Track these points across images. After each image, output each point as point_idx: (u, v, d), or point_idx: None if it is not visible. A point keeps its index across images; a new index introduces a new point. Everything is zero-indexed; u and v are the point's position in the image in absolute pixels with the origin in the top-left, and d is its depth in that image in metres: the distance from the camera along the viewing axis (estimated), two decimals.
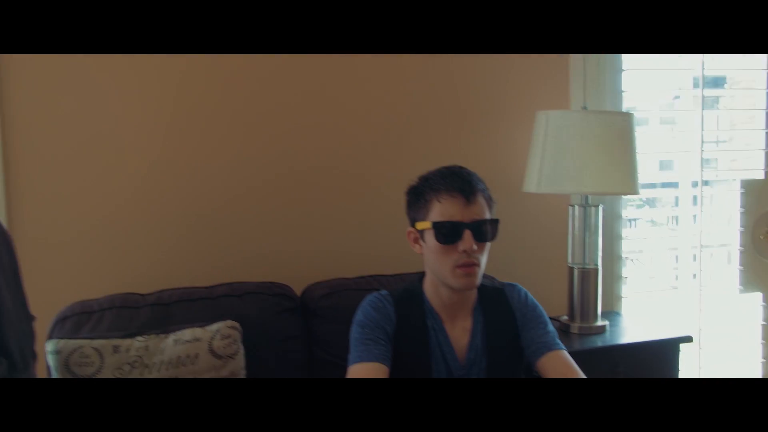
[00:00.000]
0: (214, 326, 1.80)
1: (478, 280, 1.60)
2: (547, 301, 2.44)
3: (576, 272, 2.30)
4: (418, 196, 1.62)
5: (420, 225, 1.61)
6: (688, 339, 2.24)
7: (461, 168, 1.63)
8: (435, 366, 1.63)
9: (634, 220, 2.83)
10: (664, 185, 2.99)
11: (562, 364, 1.62)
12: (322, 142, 2.27)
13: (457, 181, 1.57)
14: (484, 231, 1.58)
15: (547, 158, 2.18)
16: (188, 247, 2.18)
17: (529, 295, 1.74)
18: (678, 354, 2.23)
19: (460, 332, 1.66)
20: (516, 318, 1.70)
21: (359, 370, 1.56)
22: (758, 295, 2.90)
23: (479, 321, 1.68)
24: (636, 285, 2.80)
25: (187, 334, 1.77)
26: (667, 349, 2.23)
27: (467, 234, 1.54)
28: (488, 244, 1.62)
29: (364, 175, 2.32)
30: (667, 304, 2.85)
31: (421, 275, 1.71)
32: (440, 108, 2.38)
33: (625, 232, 2.69)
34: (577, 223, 2.30)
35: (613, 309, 2.67)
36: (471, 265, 1.56)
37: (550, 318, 2.39)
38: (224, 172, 2.20)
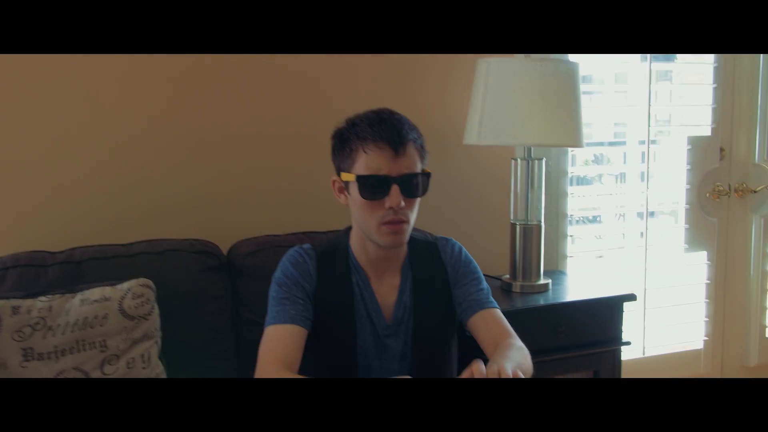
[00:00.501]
0: (125, 285, 1.67)
1: (406, 237, 1.49)
2: (490, 259, 2.37)
3: (518, 229, 2.21)
4: (344, 144, 1.49)
5: (345, 176, 1.48)
6: (631, 297, 2.17)
7: (391, 114, 1.49)
8: (359, 326, 1.53)
9: (581, 177, 2.74)
10: (611, 144, 2.91)
11: (493, 323, 1.53)
12: (248, 87, 2.13)
13: (386, 130, 1.43)
14: (413, 186, 1.46)
15: (487, 108, 2.07)
16: (104, 203, 2.02)
17: (464, 250, 1.63)
18: (621, 313, 2.17)
19: (387, 289, 1.55)
20: (448, 274, 1.59)
21: (274, 332, 1.46)
22: (703, 254, 2.87)
23: (408, 277, 1.57)
24: (582, 244, 2.73)
25: (95, 293, 1.63)
26: (610, 308, 2.16)
27: (395, 189, 1.42)
28: (418, 199, 1.50)
29: (295, 125, 2.18)
30: (613, 264, 2.80)
31: (349, 228, 1.59)
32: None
33: (571, 189, 2.61)
34: (520, 177, 2.20)
35: (557, 268, 2.60)
36: (398, 222, 1.44)
37: (492, 277, 2.32)
38: (144, 120, 2.04)
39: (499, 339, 1.47)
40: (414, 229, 1.63)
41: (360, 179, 1.43)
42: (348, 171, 1.46)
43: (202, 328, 1.86)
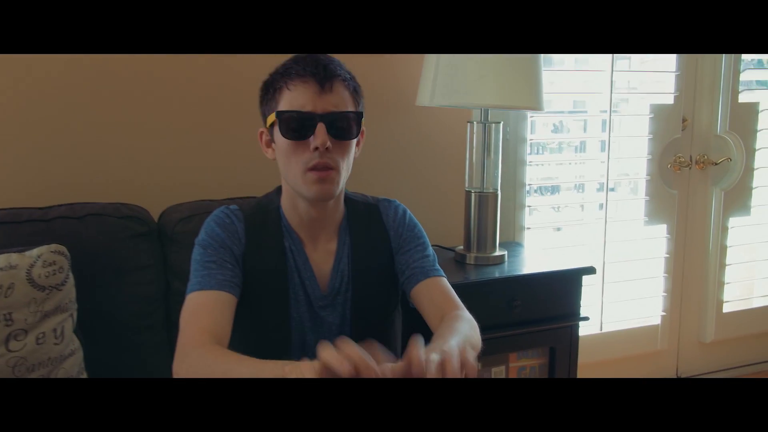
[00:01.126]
0: (35, 251, 1.49)
1: (336, 188, 1.31)
2: (443, 230, 2.25)
3: (473, 197, 2.08)
4: (269, 87, 1.32)
5: (269, 119, 1.32)
6: (590, 270, 2.06)
7: (321, 54, 1.33)
8: (293, 295, 1.37)
9: (540, 144, 2.62)
10: (571, 112, 2.80)
11: (439, 293, 1.38)
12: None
13: (311, 65, 1.27)
14: (343, 126, 1.28)
15: (442, 68, 1.92)
16: (22, 164, 1.83)
17: (409, 212, 1.48)
18: (580, 287, 2.06)
19: (322, 256, 1.40)
20: (390, 239, 1.44)
21: (198, 299, 1.28)
22: (663, 227, 2.78)
23: (346, 242, 1.41)
24: (539, 215, 2.62)
25: (0, 260, 1.45)
26: (568, 282, 2.05)
27: (320, 128, 1.25)
28: (352, 146, 1.33)
29: (231, 83, 2.01)
30: (571, 237, 2.69)
31: (279, 188, 1.44)
32: None
33: (530, 158, 2.49)
34: (476, 142, 2.06)
35: (515, 240, 2.49)
36: (325, 169, 1.27)
37: (445, 248, 2.20)
38: (66, 74, 1.85)
39: (445, 310, 1.33)
40: (355, 193, 1.49)
41: (281, 116, 1.28)
42: (272, 113, 1.31)
43: (127, 301, 1.71)
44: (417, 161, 2.28)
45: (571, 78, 2.62)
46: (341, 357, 0.93)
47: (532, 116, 2.46)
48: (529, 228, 2.51)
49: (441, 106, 1.99)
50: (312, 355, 1.40)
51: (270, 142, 1.35)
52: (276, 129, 1.30)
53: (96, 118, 1.89)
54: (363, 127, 1.36)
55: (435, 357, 0.99)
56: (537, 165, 2.53)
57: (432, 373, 0.97)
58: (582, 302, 2.08)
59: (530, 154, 2.50)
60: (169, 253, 1.78)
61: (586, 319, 2.07)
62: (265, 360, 1.10)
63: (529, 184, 2.50)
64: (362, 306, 1.39)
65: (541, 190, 2.69)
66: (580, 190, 2.75)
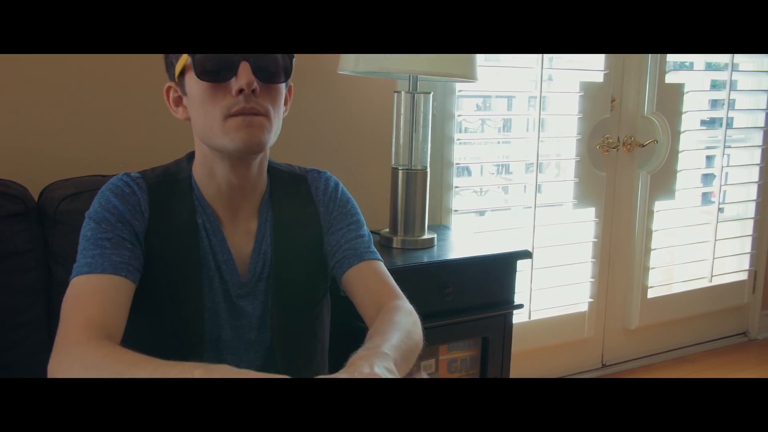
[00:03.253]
0: None
1: (266, 136, 1.07)
2: (367, 211, 2.03)
3: (401, 175, 1.90)
4: None
5: (179, 66, 1.09)
6: (526, 255, 1.93)
7: None
8: (206, 282, 1.15)
9: (463, 124, 2.47)
10: (499, 97, 2.67)
11: (375, 279, 1.18)
12: None
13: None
14: (270, 68, 1.07)
15: None
16: None
17: (341, 186, 1.28)
18: (514, 273, 1.92)
19: (242, 236, 1.17)
20: (319, 215, 1.23)
21: (85, 284, 1.03)
22: (591, 211, 2.69)
23: (268, 219, 1.20)
24: (466, 197, 2.47)
25: None
26: (502, 267, 1.90)
27: (244, 67, 1.03)
28: (282, 92, 1.11)
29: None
30: (499, 219, 2.56)
31: (191, 155, 1.21)
32: None
33: (458, 136, 2.33)
34: (404, 114, 1.88)
35: (442, 223, 2.33)
36: (252, 114, 1.05)
37: (371, 231, 2.01)
38: None
39: (382, 300, 1.14)
40: (281, 163, 1.28)
41: (197, 59, 1.04)
42: (182, 57, 1.08)
43: (0, 292, 1.44)
44: (339, 136, 2.09)
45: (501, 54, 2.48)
46: None
47: (460, 91, 2.30)
48: (456, 211, 2.36)
49: (366, 73, 1.80)
50: (229, 352, 1.19)
51: (180, 99, 1.12)
52: (188, 76, 1.07)
53: None
54: (290, 83, 1.16)
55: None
56: (464, 144, 2.38)
57: None
58: (516, 287, 1.94)
59: (458, 132, 2.35)
60: (51, 236, 1.52)
61: (520, 306, 1.94)
62: (170, 361, 0.89)
63: (458, 164, 2.34)
64: (286, 293, 1.17)
65: (468, 171, 2.55)
66: (507, 172, 2.62)
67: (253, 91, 1.04)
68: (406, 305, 1.13)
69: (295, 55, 1.11)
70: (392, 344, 0.96)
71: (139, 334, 1.11)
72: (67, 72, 1.71)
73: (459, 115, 2.32)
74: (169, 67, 1.12)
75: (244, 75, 1.02)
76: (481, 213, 2.58)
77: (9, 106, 1.66)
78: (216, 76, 1.04)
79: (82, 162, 1.71)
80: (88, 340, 0.96)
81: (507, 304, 1.91)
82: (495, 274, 1.89)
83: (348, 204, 1.26)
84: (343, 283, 1.20)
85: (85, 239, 1.09)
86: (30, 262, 1.49)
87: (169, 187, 1.16)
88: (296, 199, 1.22)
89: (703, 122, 3.09)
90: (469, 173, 2.61)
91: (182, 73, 1.09)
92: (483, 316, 1.87)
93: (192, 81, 1.07)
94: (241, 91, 1.03)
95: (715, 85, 3.09)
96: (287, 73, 1.10)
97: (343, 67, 1.83)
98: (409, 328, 1.05)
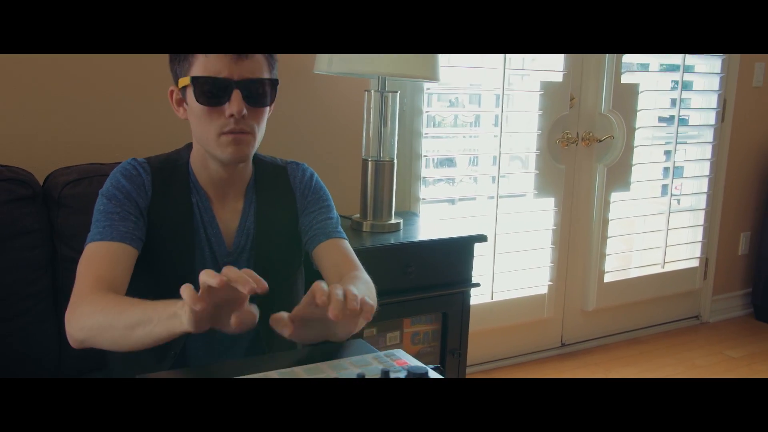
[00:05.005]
0: None
1: (250, 151, 1.33)
2: (340, 199, 2.24)
3: (370, 165, 2.11)
4: None
5: (182, 81, 1.30)
6: (482, 238, 2.13)
7: None
8: (198, 251, 1.37)
9: (435, 119, 2.68)
10: (468, 94, 2.87)
11: (339, 253, 1.41)
12: None
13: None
14: (259, 93, 1.29)
15: None
16: None
17: (316, 176, 1.51)
18: (472, 254, 2.13)
19: (229, 214, 1.40)
20: (296, 200, 1.46)
21: (97, 248, 1.26)
22: (551, 201, 2.91)
23: (252, 201, 1.42)
24: (435, 186, 2.68)
25: None
26: (460, 249, 2.11)
27: (236, 95, 1.25)
28: (267, 111, 1.34)
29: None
30: (466, 208, 2.77)
31: (189, 145, 1.42)
32: None
33: (426, 130, 2.54)
34: (373, 111, 2.08)
35: (411, 210, 2.53)
36: (241, 133, 1.28)
37: (342, 217, 2.21)
38: None
39: (344, 271, 1.36)
40: (265, 155, 1.49)
41: (196, 82, 1.26)
42: (185, 75, 1.29)
43: (10, 267, 1.63)
44: (314, 130, 2.28)
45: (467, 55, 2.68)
46: (218, 274, 0.98)
47: (428, 89, 2.51)
48: (424, 199, 2.57)
49: (339, 73, 2.00)
50: None
51: (182, 101, 1.34)
52: (189, 92, 1.29)
53: None
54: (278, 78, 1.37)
55: (338, 291, 1.02)
56: (432, 138, 2.58)
57: (335, 301, 1.00)
58: (474, 270, 2.15)
59: (427, 126, 2.55)
60: (56, 218, 1.71)
61: (477, 285, 2.15)
62: (156, 301, 1.11)
63: (425, 156, 2.55)
64: (266, 263, 1.39)
65: (437, 163, 2.75)
66: (474, 164, 2.83)
67: (243, 116, 1.26)
68: (363, 275, 1.34)
69: (276, 56, 1.33)
70: (354, 284, 1.18)
71: (139, 293, 1.31)
72: (69, 69, 1.89)
73: (427, 111, 2.52)
74: (173, 74, 1.33)
75: (236, 103, 1.25)
76: (452, 202, 2.79)
77: (17, 100, 1.84)
78: (212, 101, 1.26)
79: (83, 151, 1.89)
80: (97, 291, 1.20)
81: (465, 282, 2.12)
82: (455, 255, 2.10)
83: (321, 191, 1.48)
84: (313, 256, 1.42)
85: (98, 212, 1.31)
86: (37, 241, 1.67)
87: (169, 171, 1.38)
88: (277, 185, 1.45)
89: (661, 119, 3.29)
90: (442, 165, 2.82)
91: (185, 87, 1.30)
92: (443, 293, 2.09)
93: (192, 98, 1.28)
94: (232, 115, 1.25)
95: (675, 87, 3.28)
96: (272, 97, 1.33)
97: (318, 68, 2.03)
98: (364, 291, 1.26)
